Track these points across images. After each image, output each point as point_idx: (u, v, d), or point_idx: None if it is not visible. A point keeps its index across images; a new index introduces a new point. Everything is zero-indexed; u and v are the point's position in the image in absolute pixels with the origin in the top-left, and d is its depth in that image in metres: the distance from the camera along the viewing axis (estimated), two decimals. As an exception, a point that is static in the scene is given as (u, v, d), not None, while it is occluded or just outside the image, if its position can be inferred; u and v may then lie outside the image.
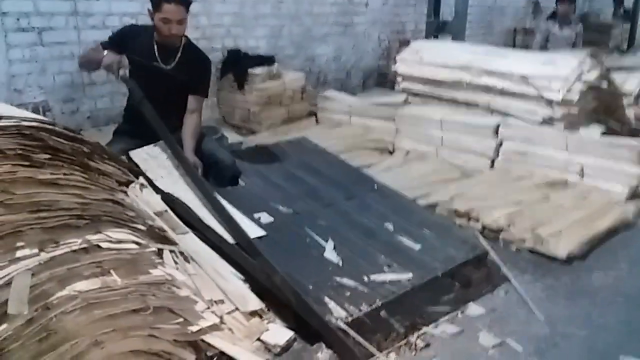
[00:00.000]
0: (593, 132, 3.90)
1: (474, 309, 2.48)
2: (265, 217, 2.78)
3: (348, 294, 2.30)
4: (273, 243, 2.57)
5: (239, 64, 5.03)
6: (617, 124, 4.19)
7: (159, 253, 2.23)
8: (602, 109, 4.23)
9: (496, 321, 2.40)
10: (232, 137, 4.68)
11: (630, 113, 4.37)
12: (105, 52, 2.87)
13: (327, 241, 2.64)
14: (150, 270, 1.85)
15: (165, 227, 2.45)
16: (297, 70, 5.48)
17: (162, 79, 3.01)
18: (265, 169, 3.32)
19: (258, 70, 4.95)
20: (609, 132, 3.97)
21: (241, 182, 3.11)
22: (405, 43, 6.80)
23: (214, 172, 3.06)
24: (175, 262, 2.28)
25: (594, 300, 2.60)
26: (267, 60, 5.12)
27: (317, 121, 5.11)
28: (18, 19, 3.88)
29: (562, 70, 3.94)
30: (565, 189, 3.66)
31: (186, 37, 3.07)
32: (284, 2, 5.53)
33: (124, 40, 3.02)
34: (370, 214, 2.96)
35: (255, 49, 5.34)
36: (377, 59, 6.68)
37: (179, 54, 3.03)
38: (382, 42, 6.72)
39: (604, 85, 4.18)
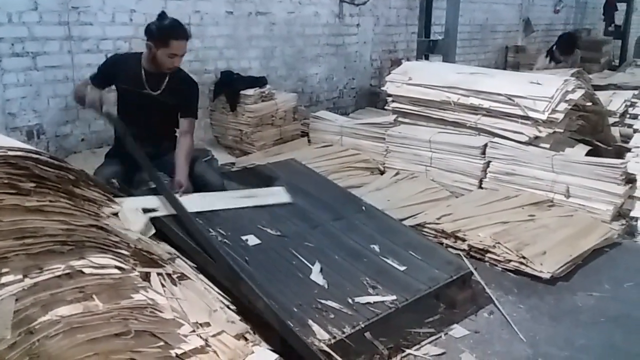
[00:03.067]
0: (578, 152, 3.96)
1: (457, 330, 2.52)
2: (253, 240, 2.81)
3: (332, 316, 2.33)
4: (260, 265, 2.59)
5: (231, 85, 5.09)
6: (602, 143, 4.24)
7: (147, 277, 2.27)
8: (588, 128, 4.30)
9: (479, 343, 2.43)
10: (225, 158, 4.74)
11: (615, 132, 4.44)
12: (89, 88, 2.94)
13: (313, 263, 2.67)
14: (133, 295, 1.88)
15: (153, 250, 2.49)
16: (289, 91, 5.55)
17: (152, 104, 3.07)
18: (250, 190, 3.35)
19: (250, 92, 5.02)
20: (594, 151, 4.03)
21: (230, 204, 3.14)
22: (397, 62, 6.91)
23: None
24: (163, 285, 2.31)
25: (576, 321, 2.64)
26: (259, 81, 5.19)
27: (309, 141, 5.17)
28: (12, 44, 3.95)
29: (547, 90, 4.00)
30: (551, 209, 3.70)
31: None
32: (276, 23, 5.62)
33: (111, 70, 3.10)
34: (357, 235, 2.99)
35: (248, 70, 5.42)
36: (368, 79, 6.77)
37: (166, 80, 3.09)
38: (374, 62, 6.81)
39: (589, 104, 4.25)
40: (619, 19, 10.30)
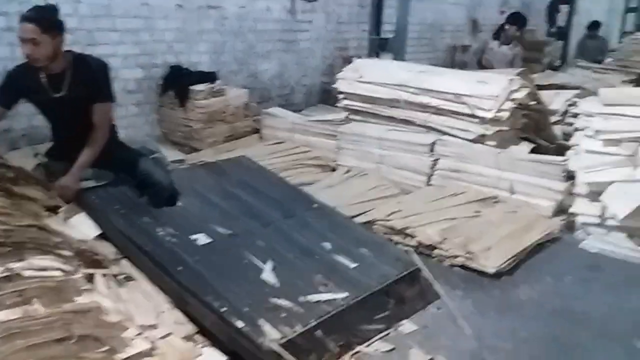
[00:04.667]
0: (522, 149, 4.08)
1: (407, 325, 2.56)
2: (203, 239, 2.77)
3: (283, 314, 2.32)
4: (210, 265, 2.56)
5: (180, 80, 4.99)
6: (545, 141, 4.39)
7: (90, 278, 2.21)
8: (531, 126, 4.44)
9: (428, 337, 2.48)
10: (173, 154, 4.65)
11: (557, 131, 4.60)
12: None
13: (265, 262, 2.65)
14: (76, 298, 1.82)
15: (97, 251, 2.42)
16: (240, 87, 5.49)
17: (64, 107, 2.87)
18: (203, 188, 3.31)
19: (200, 87, 4.94)
20: (537, 149, 4.17)
21: (179, 203, 3.08)
22: (348, 60, 6.92)
23: (150, 193, 3.03)
24: (108, 287, 2.25)
25: (520, 314, 2.72)
26: (209, 76, 5.11)
27: (260, 138, 5.13)
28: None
29: (493, 89, 4.11)
30: (496, 205, 3.81)
31: (70, 51, 2.91)
32: (228, 18, 5.54)
33: (14, 83, 2.86)
34: (308, 233, 3.00)
35: (198, 65, 5.32)
36: (320, 76, 6.77)
37: (67, 75, 2.86)
38: (326, 59, 6.82)
39: (533, 103, 4.40)
40: (561, 20, 10.66)
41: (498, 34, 6.43)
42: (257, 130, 5.25)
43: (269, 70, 6.10)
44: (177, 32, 5.14)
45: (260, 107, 5.54)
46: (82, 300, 1.81)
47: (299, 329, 2.25)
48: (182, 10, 5.12)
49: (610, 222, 3.48)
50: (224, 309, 2.28)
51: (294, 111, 5.88)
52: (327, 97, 6.62)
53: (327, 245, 2.90)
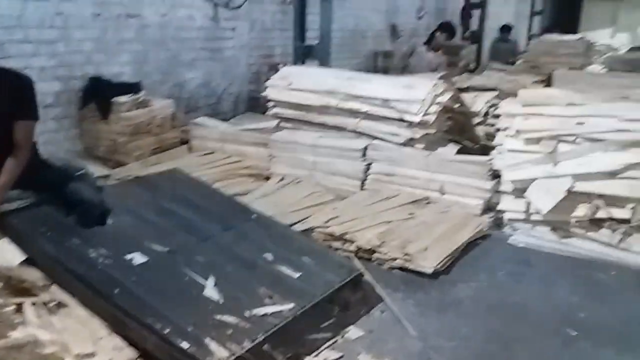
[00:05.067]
0: (449, 151, 4.23)
1: (353, 331, 2.58)
2: (138, 258, 2.66)
3: (230, 331, 2.27)
4: (148, 285, 2.46)
5: (101, 92, 4.78)
6: (469, 142, 4.58)
7: (19, 308, 2.06)
8: (456, 128, 4.61)
9: (374, 342, 2.51)
10: (98, 170, 4.43)
11: (480, 131, 4.81)
12: None
13: (206, 278, 2.58)
14: (10, 333, 1.69)
15: (24, 278, 2.27)
16: (165, 97, 5.33)
17: None
18: (135, 204, 3.18)
19: (123, 98, 4.74)
20: (463, 150, 4.33)
21: (110, 221, 2.94)
22: (274, 67, 6.90)
23: (79, 213, 2.86)
24: (38, 317, 2.11)
25: (460, 311, 2.81)
26: (132, 87, 4.92)
27: (189, 149, 5.01)
28: None
29: (419, 94, 4.23)
30: (428, 206, 3.92)
31: None
32: (149, 27, 5.37)
33: None
34: (249, 245, 2.96)
35: (120, 75, 5.12)
36: (247, 84, 6.71)
37: None
38: (252, 67, 6.76)
39: (457, 106, 4.57)
40: (474, 24, 11.17)
41: (430, 40, 6.64)
42: (185, 142, 5.11)
43: (194, 79, 5.97)
44: (96, 42, 4.92)
45: (187, 118, 5.41)
46: (16, 334, 1.68)
47: (247, 345, 2.21)
48: (99, 19, 4.91)
49: (535, 217, 3.68)
50: (167, 330, 2.20)
51: (223, 120, 5.79)
52: (255, 105, 6.57)
53: (269, 256, 2.86)
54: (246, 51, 6.65)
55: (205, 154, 4.80)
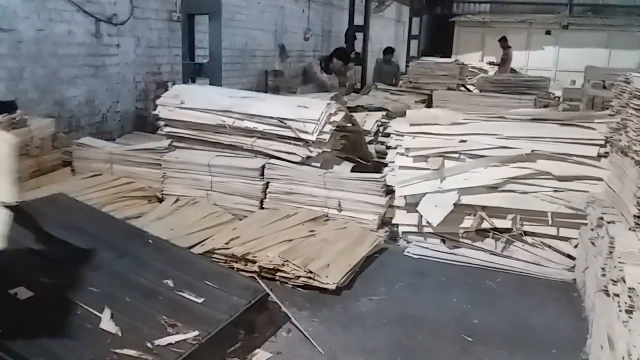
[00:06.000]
0: (344, 168, 4.35)
1: (260, 354, 2.54)
2: (24, 292, 2.42)
3: (131, 365, 2.14)
4: (37, 321, 2.25)
5: (-31, 112, 4.34)
6: (363, 159, 4.74)
7: None
8: (349, 146, 4.75)
9: (283, 363, 2.48)
10: (-33, 197, 4.00)
11: (372, 149, 5.00)
12: None
13: (102, 310, 2.41)
14: None
15: None
16: (44, 116, 4.96)
17: None
18: (17, 233, 2.89)
19: (-4, 118, 4.35)
20: (357, 167, 4.47)
21: (-13, 254, 2.66)
22: (162, 85, 6.73)
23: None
24: None
25: (364, 325, 2.88)
26: (7, 106, 4.52)
27: (73, 172, 4.68)
28: None
29: (314, 113, 4.31)
30: (327, 223, 3.99)
31: None
32: (24, 42, 4.98)
33: None
34: (147, 272, 2.81)
35: (-8, 93, 4.70)
36: (134, 102, 6.44)
37: None
38: (138, 84, 6.51)
39: (349, 125, 4.72)
40: (358, 47, 11.65)
41: (326, 65, 6.76)
42: (68, 163, 4.78)
43: (76, 97, 5.62)
44: (-39, 58, 4.49)
45: (69, 138, 5.07)
46: None
47: (152, 378, 2.09)
48: (-35, 32, 4.49)
49: (426, 230, 3.87)
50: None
51: (107, 140, 5.51)
52: (143, 123, 6.34)
53: (169, 282, 2.74)
54: (132, 68, 6.39)
55: (91, 176, 4.51)
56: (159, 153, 4.53)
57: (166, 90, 5.38)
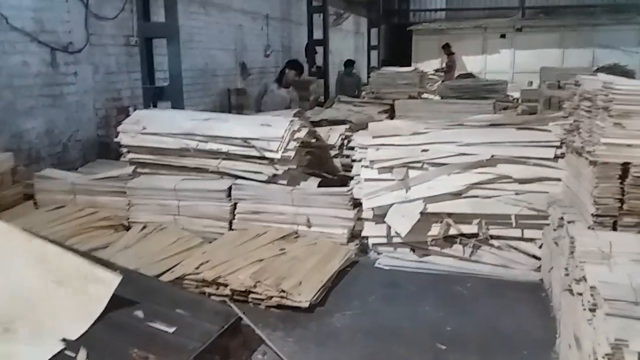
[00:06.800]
0: (311, 184, 4.37)
1: (235, 380, 2.52)
2: (-12, 336, 2.36)
3: (103, 403, 2.10)
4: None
5: None
6: (329, 174, 4.76)
7: None
8: (315, 162, 4.78)
9: (259, 387, 2.47)
10: None
11: (337, 163, 5.03)
12: None
13: (75, 350, 2.36)
14: None
15: None
16: (2, 150, 4.84)
17: None
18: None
19: (-49, 155, 4.24)
20: (324, 182, 4.49)
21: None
22: (123, 110, 6.65)
23: None
24: None
25: (338, 341, 2.89)
26: (-39, 142, 4.42)
27: (36, 205, 4.58)
28: None
29: (277, 131, 4.33)
30: (297, 240, 4.00)
31: None
32: (-24, 75, 4.89)
33: None
34: (115, 304, 2.76)
35: (-56, 130, 4.58)
36: (95, 129, 6.35)
37: None
38: (99, 111, 6.42)
39: (313, 141, 4.75)
40: (319, 60, 11.73)
41: (280, 78, 6.81)
42: (30, 197, 4.68)
43: (35, 128, 5.50)
44: None
45: (30, 171, 4.96)
46: None
47: (125, 415, 2.05)
48: None
49: (396, 240, 3.91)
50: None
51: (70, 170, 5.40)
52: (106, 150, 6.24)
53: (139, 313, 2.70)
54: (92, 95, 6.31)
55: (54, 209, 4.42)
56: (123, 180, 4.48)
57: (127, 115, 5.32)
